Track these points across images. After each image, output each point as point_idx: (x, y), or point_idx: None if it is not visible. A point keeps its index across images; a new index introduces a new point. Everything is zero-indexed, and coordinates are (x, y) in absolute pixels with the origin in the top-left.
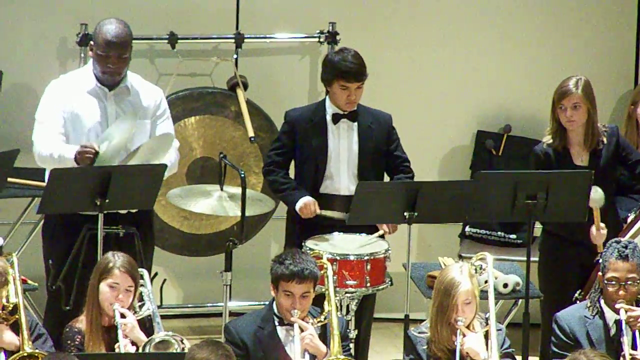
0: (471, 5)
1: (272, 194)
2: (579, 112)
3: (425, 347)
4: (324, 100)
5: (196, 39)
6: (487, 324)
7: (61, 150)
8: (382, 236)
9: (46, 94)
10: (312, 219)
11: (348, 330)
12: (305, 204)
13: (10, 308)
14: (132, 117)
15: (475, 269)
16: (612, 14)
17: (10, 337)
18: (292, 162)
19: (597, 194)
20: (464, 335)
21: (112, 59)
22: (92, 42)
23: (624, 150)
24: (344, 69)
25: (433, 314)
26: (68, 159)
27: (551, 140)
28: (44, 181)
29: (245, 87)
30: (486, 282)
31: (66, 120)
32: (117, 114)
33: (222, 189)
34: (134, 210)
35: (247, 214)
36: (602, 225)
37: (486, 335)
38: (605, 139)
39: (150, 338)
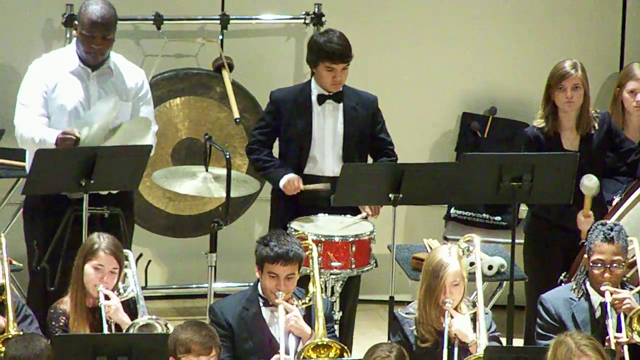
0: None
1: (257, 176)
2: (579, 93)
3: (412, 328)
4: (309, 81)
5: (181, 20)
6: (474, 306)
7: (43, 134)
8: (365, 218)
9: (28, 74)
10: (297, 198)
11: (333, 312)
12: (289, 180)
13: None
14: (112, 101)
15: (463, 251)
16: None
17: None
18: (276, 143)
19: (592, 182)
20: (452, 317)
21: (97, 40)
22: (76, 22)
23: (617, 137)
24: (329, 50)
25: (421, 295)
26: (49, 143)
27: (543, 124)
28: (24, 161)
29: (231, 68)
30: (472, 264)
31: (48, 100)
32: (99, 95)
33: (207, 170)
34: (114, 191)
35: (232, 195)
36: (591, 213)
37: (473, 318)
38: (597, 125)
39: (134, 322)
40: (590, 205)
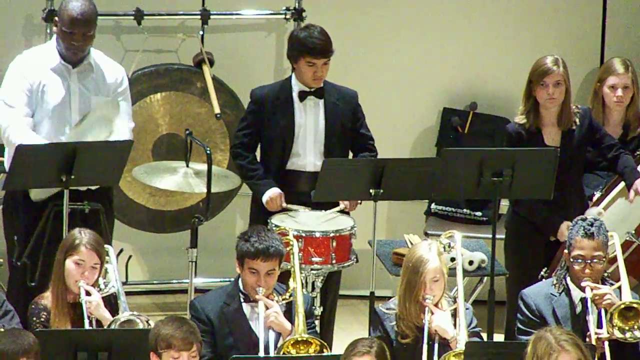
0: None
1: (238, 171)
2: (560, 89)
3: (393, 323)
4: (290, 77)
5: (162, 15)
6: (454, 302)
7: (30, 141)
8: (344, 212)
9: (10, 72)
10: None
11: (313, 307)
12: (272, 198)
13: None
14: (105, 122)
15: (444, 247)
16: None
17: None
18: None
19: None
20: (432, 313)
21: (77, 36)
22: (56, 18)
23: (597, 133)
24: (310, 45)
25: (401, 291)
26: None
27: (524, 120)
28: (3, 156)
29: (211, 63)
30: (453, 259)
31: (31, 98)
32: (80, 92)
33: (187, 166)
34: (93, 187)
35: (212, 190)
36: None
37: (454, 314)
38: (578, 120)
39: (115, 318)
40: None
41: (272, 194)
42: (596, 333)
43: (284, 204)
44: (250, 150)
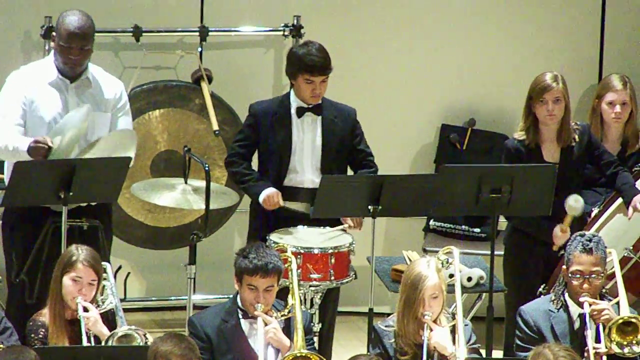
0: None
1: (236, 188)
2: (560, 106)
3: (392, 340)
4: (289, 93)
5: (160, 32)
6: (453, 318)
7: (16, 142)
8: (345, 230)
9: (6, 85)
10: (276, 212)
11: (312, 324)
12: (269, 195)
13: None
14: (84, 109)
15: (442, 263)
16: (576, 8)
17: None
18: (255, 155)
19: (578, 204)
20: (431, 330)
21: (74, 51)
22: (54, 33)
23: (597, 150)
24: (308, 63)
25: (400, 308)
26: (22, 151)
27: (524, 137)
28: (2, 173)
29: (210, 80)
30: (452, 276)
31: (26, 111)
32: (78, 106)
33: (186, 182)
34: (93, 203)
35: (211, 207)
36: (568, 229)
37: (453, 330)
38: (577, 137)
39: (113, 332)
40: (570, 223)
41: (269, 192)
42: (594, 348)
43: (282, 202)
44: (245, 160)
